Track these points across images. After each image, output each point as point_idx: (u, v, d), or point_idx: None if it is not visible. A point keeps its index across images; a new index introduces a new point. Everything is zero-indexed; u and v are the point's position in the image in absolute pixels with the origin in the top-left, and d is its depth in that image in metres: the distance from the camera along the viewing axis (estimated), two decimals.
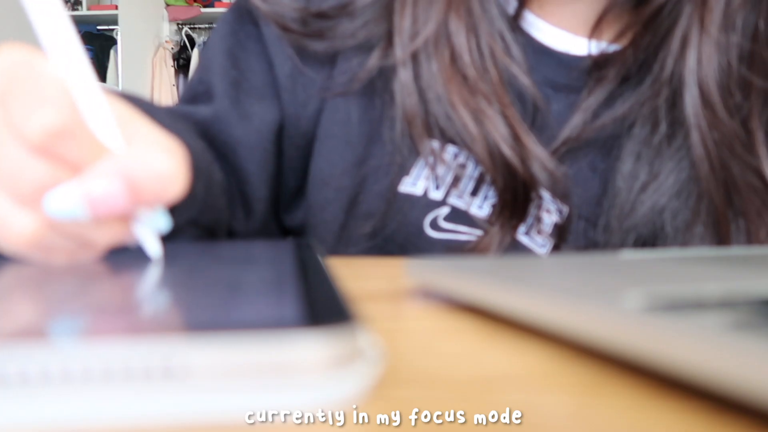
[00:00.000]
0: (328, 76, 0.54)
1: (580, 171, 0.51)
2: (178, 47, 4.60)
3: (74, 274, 0.28)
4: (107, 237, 0.29)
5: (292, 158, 0.56)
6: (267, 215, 0.56)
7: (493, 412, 0.16)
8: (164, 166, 0.26)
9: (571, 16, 0.54)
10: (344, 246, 0.54)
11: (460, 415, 0.16)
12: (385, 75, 0.52)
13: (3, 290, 0.25)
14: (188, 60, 4.52)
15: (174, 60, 4.56)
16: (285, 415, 0.16)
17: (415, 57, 0.51)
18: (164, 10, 4.56)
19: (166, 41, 4.58)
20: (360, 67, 0.53)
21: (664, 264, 0.29)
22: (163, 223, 0.30)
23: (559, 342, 0.22)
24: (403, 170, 0.52)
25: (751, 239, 0.49)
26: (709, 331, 0.16)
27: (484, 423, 0.16)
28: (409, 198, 0.51)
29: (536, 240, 0.50)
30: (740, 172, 0.49)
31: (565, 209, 0.50)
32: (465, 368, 0.20)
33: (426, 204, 0.51)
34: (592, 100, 0.51)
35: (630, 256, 0.33)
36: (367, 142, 0.53)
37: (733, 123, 0.49)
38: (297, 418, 0.16)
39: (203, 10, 4.34)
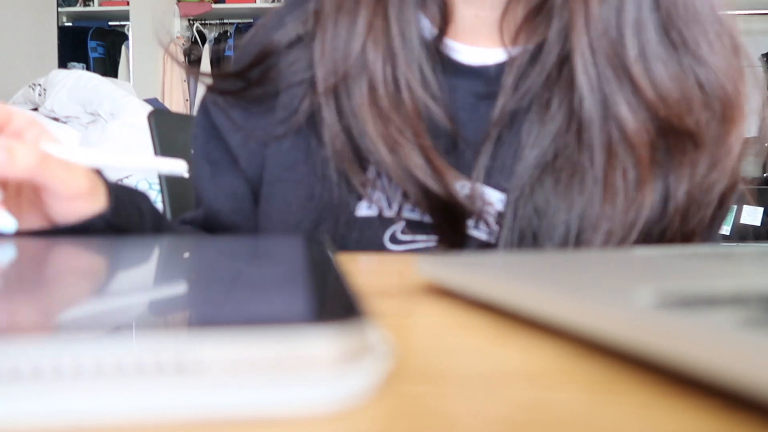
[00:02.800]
0: (267, 122, 0.59)
1: (509, 155, 0.53)
2: (189, 43, 4.60)
3: (85, 267, 0.28)
4: None
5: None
6: None
7: (504, 408, 0.16)
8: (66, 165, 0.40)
9: (480, 32, 0.58)
10: None
11: (469, 411, 0.16)
12: (321, 120, 0.55)
13: (14, 284, 0.26)
14: (199, 56, 4.53)
15: (185, 56, 4.56)
16: (295, 410, 0.16)
17: (336, 93, 0.53)
18: (175, 6, 4.56)
19: (177, 37, 4.59)
20: (294, 112, 0.57)
21: (675, 260, 0.29)
22: (8, 221, 0.32)
23: (570, 339, 0.22)
24: (357, 198, 0.54)
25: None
26: (721, 328, 0.16)
27: (495, 420, 0.16)
28: (367, 220, 0.54)
29: (484, 229, 0.53)
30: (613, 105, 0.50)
31: (504, 196, 0.52)
32: (475, 364, 0.20)
33: (382, 222, 0.54)
34: (509, 83, 0.54)
35: (641, 252, 0.33)
36: (316, 180, 0.56)
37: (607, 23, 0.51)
38: (307, 413, 0.16)
39: (214, 6, 4.34)
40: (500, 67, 0.56)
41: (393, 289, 0.32)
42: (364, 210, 0.54)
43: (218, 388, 0.16)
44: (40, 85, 2.64)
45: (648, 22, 0.52)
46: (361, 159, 0.53)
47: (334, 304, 0.20)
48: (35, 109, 2.59)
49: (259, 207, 0.60)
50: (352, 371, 0.16)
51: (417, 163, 0.51)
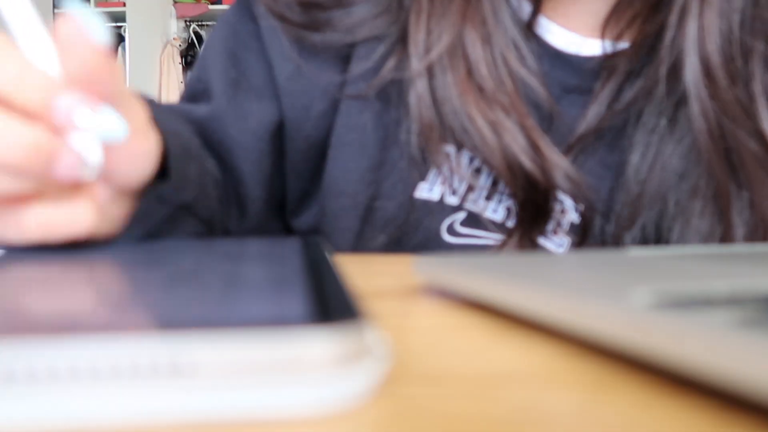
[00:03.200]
0: (338, 75, 0.54)
1: (592, 168, 0.51)
2: (186, 44, 4.60)
3: (80, 269, 0.28)
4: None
5: (295, 162, 0.56)
6: (262, 216, 0.56)
7: (501, 409, 0.16)
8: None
9: (580, 18, 0.54)
10: (359, 251, 0.53)
11: (467, 412, 0.16)
12: (399, 82, 0.52)
13: (6, 285, 0.26)
14: (196, 57, 4.53)
15: (182, 57, 4.56)
16: (293, 411, 0.16)
17: (430, 70, 0.50)
18: (172, 6, 4.56)
19: (174, 38, 4.59)
20: (374, 72, 0.52)
21: (671, 261, 0.29)
22: (117, 125, 0.29)
23: (566, 339, 0.22)
24: (420, 176, 0.51)
25: (754, 211, 0.49)
26: (717, 329, 0.16)
27: (493, 420, 0.16)
28: (426, 204, 0.51)
29: (553, 240, 0.50)
30: (743, 141, 0.48)
31: (581, 207, 0.50)
32: (473, 365, 0.20)
33: (442, 209, 0.51)
34: (603, 95, 0.51)
35: (638, 253, 0.33)
36: (382, 148, 0.53)
37: (735, 90, 0.48)
38: (305, 415, 0.16)
39: (211, 6, 4.35)
40: (596, 65, 0.53)
41: (390, 290, 0.32)
42: (424, 192, 0.51)
43: (215, 391, 0.16)
44: None
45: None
46: (445, 137, 0.50)
47: (332, 305, 0.20)
48: None
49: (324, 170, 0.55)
50: (350, 373, 0.16)
51: (521, 144, 0.48)
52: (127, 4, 4.32)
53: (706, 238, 0.49)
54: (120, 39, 4.50)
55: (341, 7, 0.53)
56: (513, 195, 0.49)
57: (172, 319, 0.19)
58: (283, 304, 0.20)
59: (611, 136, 0.52)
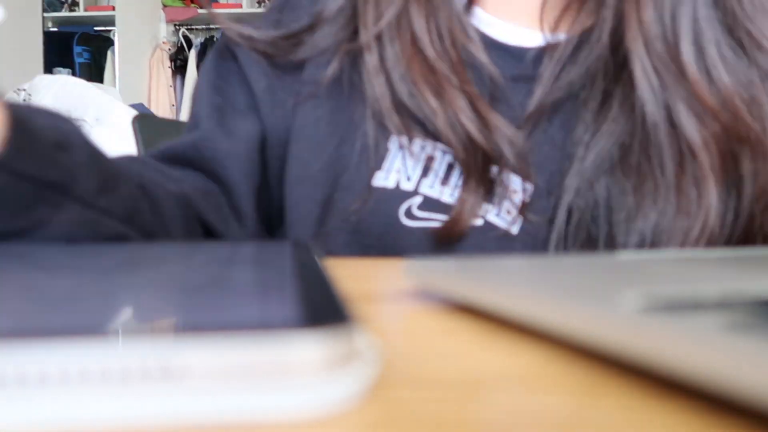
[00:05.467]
0: (297, 81, 0.58)
1: (541, 148, 0.53)
2: (176, 48, 4.60)
3: (69, 271, 0.28)
4: None
5: (274, 168, 0.59)
6: (258, 223, 0.59)
7: (491, 412, 0.16)
8: None
9: (517, 11, 0.57)
10: (322, 241, 0.55)
11: (456, 415, 0.16)
12: (351, 82, 0.56)
13: None
14: (185, 61, 4.53)
15: (171, 61, 4.56)
16: (282, 415, 0.16)
17: (379, 40, 0.54)
18: (161, 11, 4.56)
19: (163, 42, 4.58)
20: (325, 69, 0.56)
21: (660, 265, 0.29)
22: None
23: (556, 343, 0.22)
24: (375, 165, 0.54)
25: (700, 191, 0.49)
26: (706, 332, 0.16)
27: (482, 424, 0.16)
28: (383, 191, 0.53)
29: (505, 218, 0.52)
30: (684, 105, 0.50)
31: (530, 187, 0.52)
32: (462, 369, 0.20)
33: (399, 195, 0.53)
34: (548, 74, 0.54)
35: (627, 256, 0.33)
36: (338, 142, 0.56)
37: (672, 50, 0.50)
38: (294, 419, 0.16)
39: (200, 11, 4.34)
40: (538, 53, 0.55)
41: (380, 293, 0.32)
42: (381, 181, 0.53)
43: (205, 394, 0.15)
44: (25, 90, 2.63)
45: (706, 22, 0.51)
46: (399, 111, 0.53)
47: (322, 309, 0.20)
48: None
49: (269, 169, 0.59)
50: (340, 376, 0.16)
51: (461, 107, 0.51)
52: (116, 8, 4.31)
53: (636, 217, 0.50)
54: (109, 43, 4.49)
55: (316, 31, 0.58)
56: (456, 156, 0.52)
57: (161, 323, 0.19)
58: (272, 308, 0.20)
59: (561, 115, 0.54)
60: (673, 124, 0.49)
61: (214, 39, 4.35)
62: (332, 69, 0.56)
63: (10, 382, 0.15)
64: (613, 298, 0.21)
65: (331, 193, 0.55)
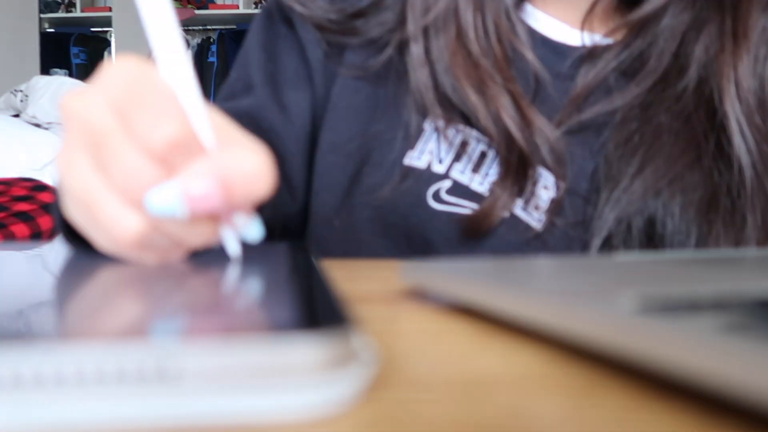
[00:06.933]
0: (340, 61, 0.57)
1: (575, 150, 0.53)
2: None
3: (70, 277, 0.28)
4: (199, 237, 0.31)
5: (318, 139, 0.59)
6: (307, 197, 0.59)
7: (488, 413, 0.16)
8: (254, 164, 0.28)
9: (566, 8, 0.57)
10: (346, 214, 0.55)
11: (454, 416, 0.16)
12: (395, 63, 0.55)
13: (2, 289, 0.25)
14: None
15: None
16: (280, 416, 0.16)
17: (425, 32, 0.54)
18: None
19: None
20: (371, 58, 0.56)
21: (657, 266, 0.29)
22: (256, 230, 0.31)
23: (553, 344, 0.22)
24: (408, 144, 0.54)
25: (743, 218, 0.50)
26: (703, 333, 0.16)
27: (479, 425, 0.16)
28: (413, 170, 0.53)
29: (533, 215, 0.52)
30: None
31: (562, 185, 0.52)
32: (460, 370, 0.20)
33: (429, 176, 0.53)
34: (587, 84, 0.54)
35: (624, 258, 0.33)
36: (374, 114, 0.55)
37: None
38: (292, 420, 0.16)
39: (197, 12, 4.33)
40: (582, 52, 0.55)
41: (377, 295, 0.32)
42: (413, 160, 0.53)
43: (202, 396, 0.15)
44: (21, 91, 2.63)
45: None
46: (442, 103, 0.53)
47: (319, 310, 0.20)
48: (16, 116, 2.57)
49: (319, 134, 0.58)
50: (337, 378, 0.16)
51: (503, 105, 0.51)
52: (113, 9, 4.30)
53: (685, 239, 0.50)
54: (106, 44, 4.48)
55: (380, 11, 0.57)
56: (497, 150, 0.51)
57: (158, 325, 0.19)
58: (270, 310, 0.20)
59: (595, 125, 0.53)
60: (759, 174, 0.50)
61: (211, 40, 4.34)
62: (384, 56, 0.55)
63: (5, 385, 0.15)
64: (611, 300, 0.21)
65: (361, 166, 0.55)
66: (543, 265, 0.32)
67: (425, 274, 0.30)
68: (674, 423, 0.16)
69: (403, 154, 0.53)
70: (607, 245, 0.50)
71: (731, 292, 0.22)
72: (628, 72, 0.54)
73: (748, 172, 0.50)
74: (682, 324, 0.17)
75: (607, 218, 0.50)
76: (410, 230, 0.53)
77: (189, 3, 4.44)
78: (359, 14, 0.57)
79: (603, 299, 0.21)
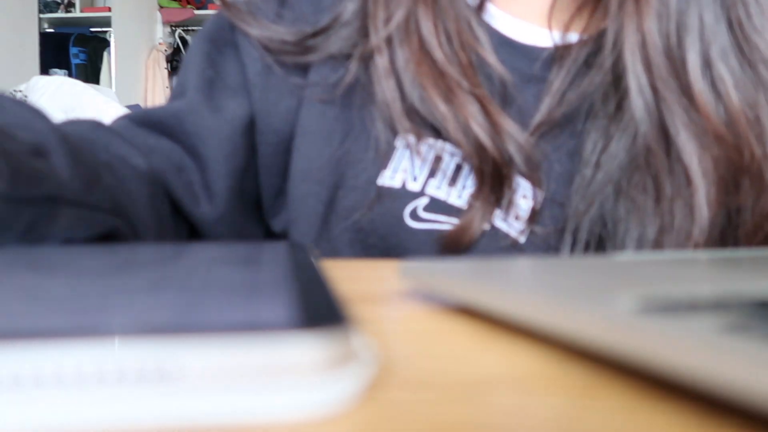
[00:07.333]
0: (302, 79, 0.57)
1: (550, 157, 0.52)
2: (172, 49, 4.59)
3: (63, 272, 0.28)
4: None
5: (266, 155, 0.58)
6: (231, 206, 0.57)
7: (488, 414, 0.16)
8: None
9: (530, 8, 0.56)
10: (326, 240, 0.55)
11: (454, 417, 0.16)
12: (360, 78, 0.55)
13: None
14: (181, 62, 4.52)
15: (167, 62, 4.55)
16: (279, 416, 0.16)
17: (389, 42, 0.53)
18: (157, 12, 4.55)
19: (160, 43, 4.58)
20: (335, 73, 0.55)
21: (657, 266, 0.29)
22: None
23: (552, 344, 0.22)
24: (380, 164, 0.53)
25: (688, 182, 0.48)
26: (703, 334, 0.16)
27: (479, 426, 0.16)
28: (388, 190, 0.52)
29: (514, 225, 0.51)
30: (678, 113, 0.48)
31: (539, 192, 0.51)
32: (459, 370, 0.20)
33: (404, 195, 0.52)
34: (558, 84, 0.52)
35: (623, 257, 0.33)
36: (344, 138, 0.55)
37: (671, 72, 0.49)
38: (291, 420, 0.15)
39: (196, 12, 4.34)
40: (550, 54, 0.54)
41: (377, 295, 0.32)
42: (387, 180, 0.53)
43: (201, 396, 0.15)
44: (21, 91, 2.63)
45: (714, 33, 0.49)
46: (410, 116, 0.52)
47: (318, 310, 0.20)
48: None
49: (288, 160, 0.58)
50: (336, 378, 0.16)
51: (472, 113, 0.50)
52: (112, 10, 4.30)
53: (645, 232, 0.48)
54: (106, 44, 4.48)
55: (338, 29, 0.56)
56: (468, 160, 0.51)
57: (156, 324, 0.19)
58: (268, 309, 0.20)
59: (571, 125, 0.53)
60: (668, 147, 0.48)
61: None
62: (350, 75, 0.55)
63: (4, 384, 0.15)
64: (610, 300, 0.21)
65: (335, 190, 0.54)
66: (543, 265, 0.32)
67: (425, 274, 0.30)
68: (674, 423, 0.16)
69: (376, 175, 0.53)
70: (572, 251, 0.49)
71: (731, 292, 0.22)
72: (588, 60, 0.53)
73: (644, 141, 0.48)
74: (681, 324, 0.17)
75: (570, 222, 0.50)
76: (390, 251, 0.52)
77: (189, 3, 4.45)
78: (318, 33, 0.57)
79: (603, 299, 0.21)
